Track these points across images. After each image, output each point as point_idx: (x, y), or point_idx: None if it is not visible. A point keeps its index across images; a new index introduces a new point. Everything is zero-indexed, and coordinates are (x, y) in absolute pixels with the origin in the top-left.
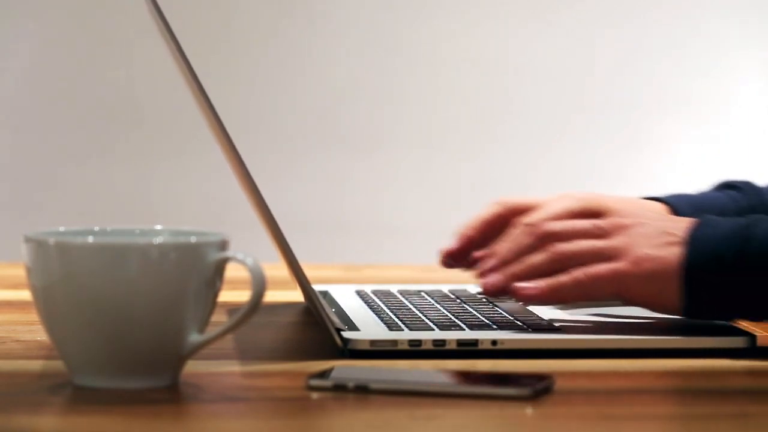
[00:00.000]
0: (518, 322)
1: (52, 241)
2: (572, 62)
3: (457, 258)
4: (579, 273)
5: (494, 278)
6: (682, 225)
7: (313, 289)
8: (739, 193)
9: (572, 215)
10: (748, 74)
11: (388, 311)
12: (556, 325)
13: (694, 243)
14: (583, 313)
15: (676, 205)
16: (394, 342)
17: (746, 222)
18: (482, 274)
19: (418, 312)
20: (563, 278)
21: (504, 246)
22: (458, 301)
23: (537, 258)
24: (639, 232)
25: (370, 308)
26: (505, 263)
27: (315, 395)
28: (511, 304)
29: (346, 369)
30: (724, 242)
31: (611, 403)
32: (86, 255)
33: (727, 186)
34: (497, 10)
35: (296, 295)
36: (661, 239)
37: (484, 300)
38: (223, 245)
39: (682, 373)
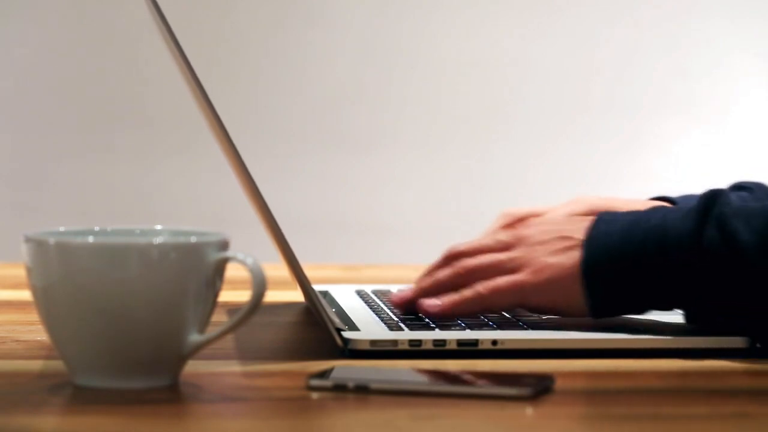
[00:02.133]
0: (518, 322)
1: (52, 241)
2: (573, 63)
3: None
4: (480, 286)
5: (402, 293)
6: (580, 226)
7: (313, 289)
8: (750, 194)
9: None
10: (750, 75)
11: (388, 311)
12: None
13: (589, 243)
14: None
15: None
16: (394, 342)
17: (642, 215)
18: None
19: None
20: (465, 292)
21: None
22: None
23: (442, 273)
24: (537, 240)
25: (370, 308)
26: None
27: (315, 395)
28: None
29: (346, 369)
30: (619, 238)
31: (611, 403)
32: (86, 255)
33: (739, 187)
34: (497, 10)
35: (296, 295)
36: (559, 245)
37: None
38: (223, 245)
39: (682, 373)
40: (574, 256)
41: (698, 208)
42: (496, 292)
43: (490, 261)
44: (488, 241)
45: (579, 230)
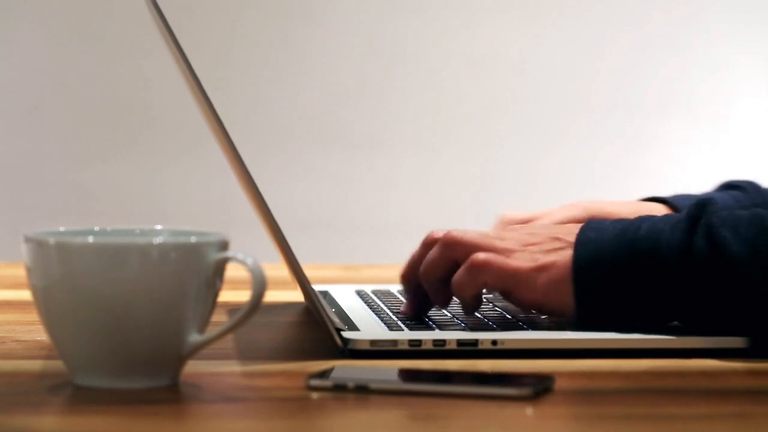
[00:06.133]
0: (518, 322)
1: (52, 241)
2: (575, 64)
3: None
4: (474, 257)
5: (405, 304)
6: (570, 231)
7: (313, 289)
8: (742, 193)
9: (579, 222)
10: (752, 76)
11: (388, 311)
12: (556, 325)
13: (580, 245)
14: None
15: (679, 205)
16: (394, 342)
17: (631, 224)
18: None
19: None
20: (459, 270)
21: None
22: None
23: (433, 251)
24: (527, 240)
25: (370, 308)
26: (407, 281)
27: (315, 395)
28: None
29: (346, 369)
30: (608, 244)
31: (611, 403)
32: (86, 255)
33: (731, 186)
34: (500, 10)
35: (296, 295)
36: (550, 245)
37: (485, 300)
38: (223, 245)
39: (682, 373)
40: (566, 255)
41: (687, 218)
42: (489, 264)
43: (480, 239)
44: (474, 233)
45: (569, 234)
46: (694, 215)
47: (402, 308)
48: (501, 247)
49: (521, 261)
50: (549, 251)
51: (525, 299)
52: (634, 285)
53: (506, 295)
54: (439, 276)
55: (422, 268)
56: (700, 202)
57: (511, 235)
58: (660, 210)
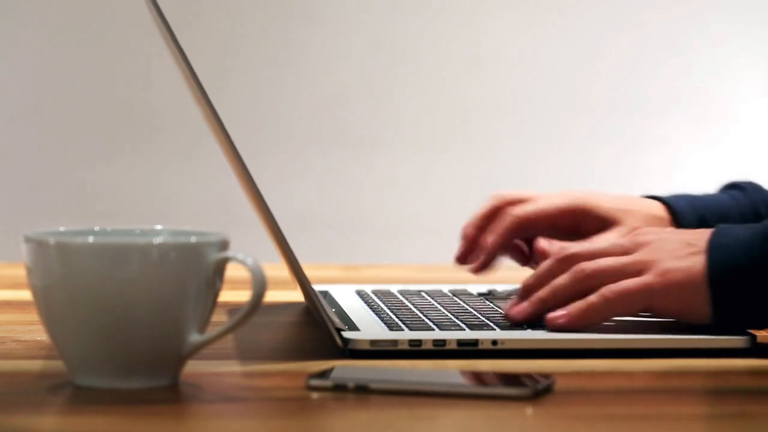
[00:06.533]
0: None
1: (52, 241)
2: (576, 64)
3: (467, 259)
4: (606, 291)
5: (520, 306)
6: (702, 236)
7: (313, 289)
8: (741, 193)
9: (561, 212)
10: (754, 76)
11: (388, 311)
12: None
13: (713, 251)
14: None
15: (675, 204)
16: (394, 342)
17: (760, 228)
18: (510, 306)
19: (418, 312)
20: (591, 299)
21: (530, 276)
22: (458, 301)
23: (561, 280)
24: (661, 246)
25: (370, 308)
26: (530, 291)
27: (315, 395)
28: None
29: (346, 369)
30: (743, 250)
31: (611, 403)
32: (86, 255)
33: (732, 187)
34: (500, 10)
35: (296, 295)
36: (684, 250)
37: (484, 300)
38: (223, 245)
39: (682, 373)
40: (699, 261)
41: None
42: (623, 295)
43: (611, 265)
44: (605, 243)
45: (700, 239)
46: None
47: (512, 311)
48: (631, 264)
49: (653, 276)
50: (681, 257)
51: (662, 310)
52: (765, 289)
53: (646, 311)
54: (565, 303)
55: (551, 291)
56: None
57: (641, 239)
58: (654, 206)
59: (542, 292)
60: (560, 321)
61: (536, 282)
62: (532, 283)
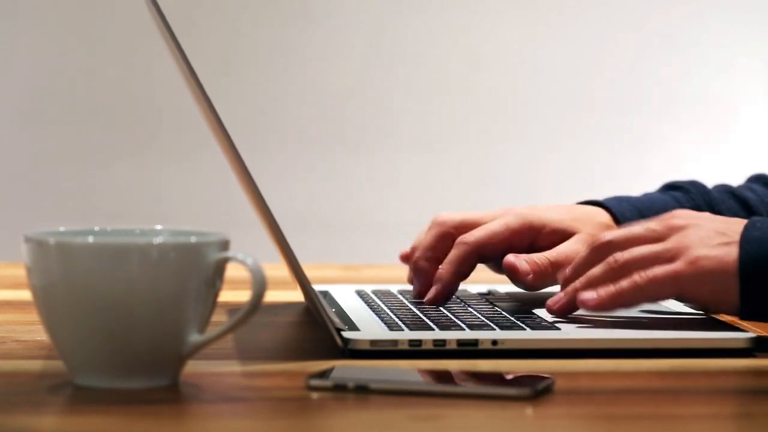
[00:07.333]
0: (518, 322)
1: (52, 241)
2: (576, 64)
3: (424, 295)
4: (637, 277)
5: (556, 297)
6: (735, 227)
7: (313, 289)
8: (684, 194)
9: (513, 232)
10: (755, 77)
11: (388, 311)
12: (557, 324)
13: (747, 242)
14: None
15: (616, 208)
16: (394, 342)
17: None
18: (551, 301)
19: (418, 312)
20: (623, 283)
21: (568, 268)
22: (458, 301)
23: (596, 270)
24: (694, 233)
25: (370, 308)
26: (568, 282)
27: (315, 395)
28: (510, 304)
29: (346, 369)
30: None
31: (611, 403)
32: (86, 255)
33: (672, 187)
34: (500, 10)
35: (296, 295)
36: (717, 239)
37: (484, 300)
38: (223, 245)
39: (683, 373)
40: (732, 252)
41: None
42: (654, 282)
43: (644, 253)
44: (639, 229)
45: (734, 230)
46: None
47: (554, 307)
48: (664, 252)
49: (684, 264)
50: (714, 246)
51: (692, 297)
52: None
53: (676, 298)
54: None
55: (586, 281)
56: None
57: (675, 224)
58: (598, 213)
59: (578, 283)
60: (590, 303)
61: (573, 274)
62: (569, 276)
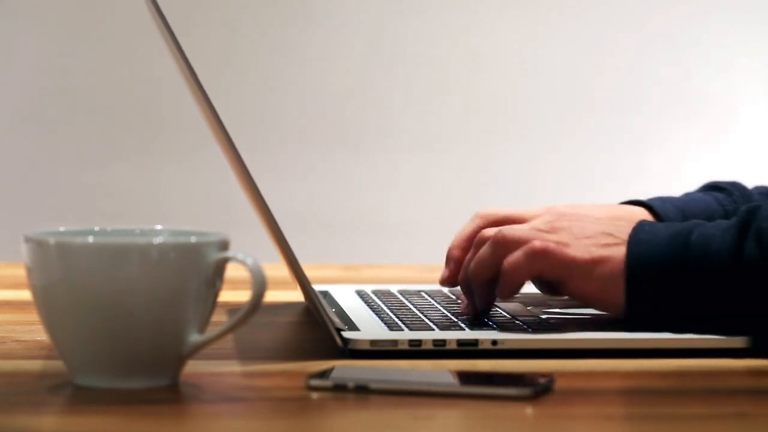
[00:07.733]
0: (518, 322)
1: (52, 241)
2: (576, 64)
3: (454, 281)
4: (532, 243)
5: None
6: (622, 229)
7: (313, 289)
8: (726, 196)
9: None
10: (755, 78)
11: (388, 311)
12: (557, 324)
13: (634, 244)
14: (583, 312)
15: (660, 208)
16: (394, 342)
17: (685, 228)
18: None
19: (418, 312)
20: (516, 253)
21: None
22: (458, 301)
23: (484, 251)
24: (580, 233)
25: (370, 308)
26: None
27: (315, 395)
28: (510, 304)
29: (346, 369)
30: (661, 246)
31: (611, 403)
32: (86, 255)
33: (714, 188)
34: (500, 11)
35: (296, 295)
36: (603, 240)
37: None
38: (223, 245)
39: (682, 373)
40: (619, 251)
41: (738, 223)
42: (546, 251)
43: (531, 232)
44: (525, 228)
45: (622, 231)
46: (745, 220)
47: (462, 308)
48: (555, 240)
49: (578, 252)
50: (602, 246)
51: (578, 291)
52: (685, 289)
53: (558, 285)
54: (489, 276)
55: (472, 267)
56: (750, 208)
57: (563, 225)
58: (640, 213)
59: (470, 268)
60: (463, 309)
61: (463, 273)
62: (461, 277)
